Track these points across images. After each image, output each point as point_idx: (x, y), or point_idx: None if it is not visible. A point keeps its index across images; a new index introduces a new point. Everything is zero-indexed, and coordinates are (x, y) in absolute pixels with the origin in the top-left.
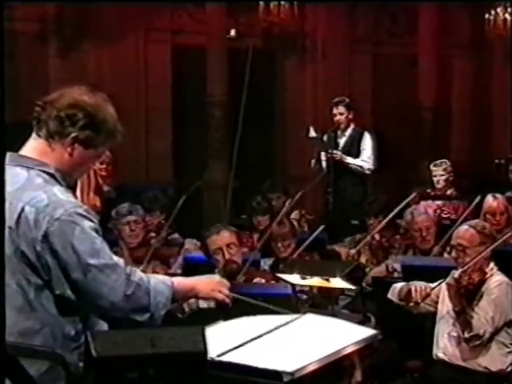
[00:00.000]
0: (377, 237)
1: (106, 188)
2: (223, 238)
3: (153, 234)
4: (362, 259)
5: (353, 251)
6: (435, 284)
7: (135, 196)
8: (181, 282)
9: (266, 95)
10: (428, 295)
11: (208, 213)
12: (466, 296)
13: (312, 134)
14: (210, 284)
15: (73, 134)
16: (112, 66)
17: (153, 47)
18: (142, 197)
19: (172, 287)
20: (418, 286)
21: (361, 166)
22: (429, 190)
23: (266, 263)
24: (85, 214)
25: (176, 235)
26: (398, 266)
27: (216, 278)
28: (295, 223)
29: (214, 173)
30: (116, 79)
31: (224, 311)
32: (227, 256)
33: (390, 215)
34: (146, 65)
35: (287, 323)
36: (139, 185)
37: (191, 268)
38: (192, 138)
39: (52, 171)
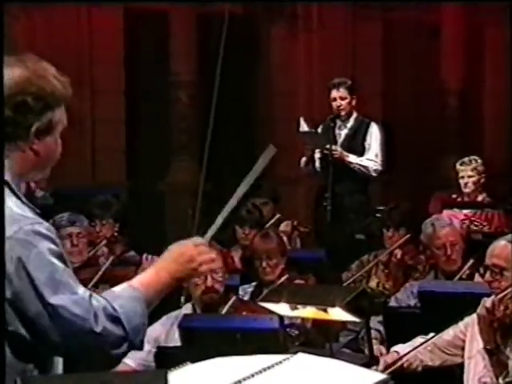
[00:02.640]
0: (398, 254)
1: (39, 193)
2: None
3: (103, 250)
4: (373, 282)
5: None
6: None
7: (78, 202)
8: (148, 279)
9: (247, 74)
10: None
11: (172, 223)
12: (501, 331)
13: (304, 127)
14: (186, 259)
15: (33, 128)
16: (46, 36)
17: (99, 12)
18: (87, 203)
19: (143, 297)
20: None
21: (365, 167)
22: (454, 196)
23: (246, 291)
24: (45, 233)
25: (132, 252)
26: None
27: (185, 244)
28: (284, 238)
29: (180, 173)
30: (51, 53)
31: (192, 351)
32: (209, 282)
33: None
34: (90, 34)
35: (273, 366)
36: (83, 188)
37: None
38: (151, 128)
39: (8, 180)
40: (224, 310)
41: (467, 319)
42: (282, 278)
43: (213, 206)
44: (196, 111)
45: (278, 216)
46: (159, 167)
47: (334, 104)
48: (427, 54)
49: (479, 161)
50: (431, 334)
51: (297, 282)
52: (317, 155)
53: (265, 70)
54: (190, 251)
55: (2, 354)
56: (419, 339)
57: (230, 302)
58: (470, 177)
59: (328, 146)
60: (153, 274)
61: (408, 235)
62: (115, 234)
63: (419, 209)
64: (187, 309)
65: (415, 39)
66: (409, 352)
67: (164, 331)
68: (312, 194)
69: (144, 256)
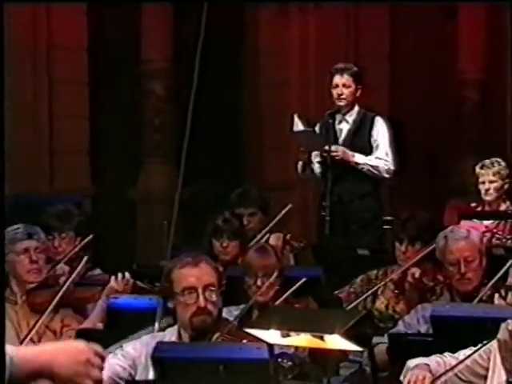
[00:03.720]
0: (416, 273)
1: None
2: (202, 274)
3: (63, 268)
4: (381, 304)
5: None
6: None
7: (33, 212)
8: (28, 353)
9: (231, 62)
10: None
11: (144, 237)
12: None
13: (298, 126)
14: (75, 360)
15: None
16: None
17: None
18: (43, 213)
19: (13, 364)
20: (414, 374)
21: (376, 167)
22: (474, 204)
23: (232, 313)
24: None
25: (97, 270)
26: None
27: (82, 347)
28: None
29: (154, 177)
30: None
31: None
32: (202, 303)
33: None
34: (48, 15)
35: None
36: (40, 195)
37: (119, 320)
38: (119, 125)
39: None
40: (214, 338)
41: (489, 345)
42: (278, 301)
43: (191, 217)
44: (172, 105)
45: (268, 227)
46: (129, 171)
47: (335, 92)
48: (442, 39)
49: (502, 163)
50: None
51: (291, 305)
52: (315, 159)
53: (251, 57)
54: (82, 359)
55: (2, 352)
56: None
57: (226, 329)
58: (491, 182)
59: (328, 148)
60: (38, 352)
61: (429, 248)
62: (77, 249)
63: (434, 219)
64: (172, 334)
65: (428, 22)
66: (445, 372)
67: (145, 353)
68: (308, 202)
69: (113, 278)
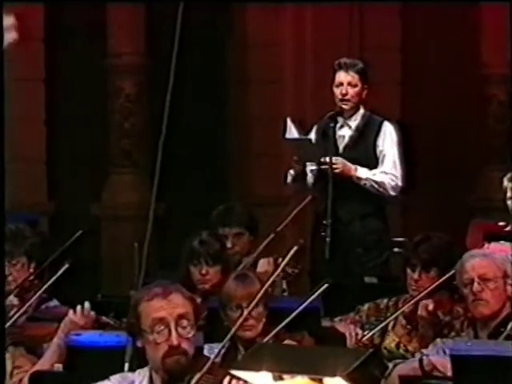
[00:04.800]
0: (429, 305)
1: None
2: (174, 306)
3: (12, 301)
4: (391, 342)
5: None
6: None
7: None
8: None
9: (214, 56)
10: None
11: (110, 261)
12: None
13: (292, 132)
14: None
15: None
16: None
17: None
18: None
19: None
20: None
21: (380, 183)
22: (501, 223)
23: (214, 351)
24: None
25: (54, 302)
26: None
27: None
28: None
29: (122, 191)
30: None
31: None
32: (175, 340)
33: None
34: None
35: None
36: None
37: (81, 360)
38: (82, 129)
39: None
40: (194, 381)
41: None
42: (266, 338)
43: (167, 237)
44: (144, 106)
45: (258, 251)
46: (93, 183)
47: (339, 91)
48: (462, 28)
49: None
50: None
51: (287, 342)
52: (310, 167)
53: (239, 50)
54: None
55: (2, 354)
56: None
57: (205, 368)
58: None
59: (327, 160)
60: None
61: (446, 276)
62: (30, 277)
63: (453, 241)
64: (143, 377)
65: (445, 9)
66: None
67: None
68: (304, 220)
69: (71, 311)
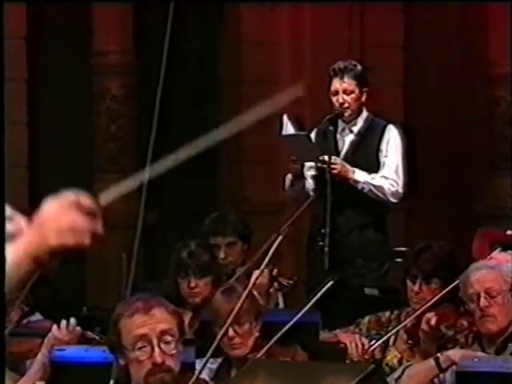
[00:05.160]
0: (432, 319)
1: None
2: (156, 321)
3: None
4: (393, 358)
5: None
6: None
7: None
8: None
9: (205, 54)
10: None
11: (96, 272)
12: None
13: (288, 129)
14: (59, 217)
15: None
16: None
17: None
18: None
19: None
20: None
21: (380, 188)
22: (510, 232)
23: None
24: None
25: (37, 316)
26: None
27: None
28: (256, 294)
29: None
30: None
31: None
32: (158, 358)
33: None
34: None
35: None
36: None
37: (66, 376)
38: (66, 133)
39: None
40: None
41: None
42: (259, 354)
43: (157, 247)
44: (131, 108)
45: (251, 262)
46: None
47: (336, 99)
48: (468, 25)
49: None
50: None
51: (280, 357)
52: (309, 172)
53: (232, 48)
54: (66, 213)
55: (2, 353)
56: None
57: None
58: None
59: (325, 158)
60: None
61: (449, 287)
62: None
63: (459, 251)
64: None
65: (450, 6)
66: None
67: None
68: (301, 228)
69: (55, 326)
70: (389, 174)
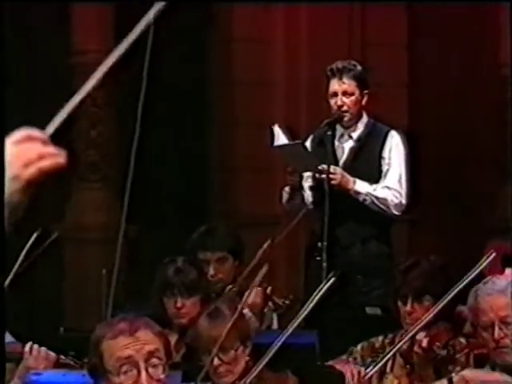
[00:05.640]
0: (423, 341)
1: None
2: (142, 344)
3: None
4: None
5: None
6: None
7: None
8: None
9: (194, 53)
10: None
11: (74, 289)
12: None
13: (281, 139)
14: (21, 152)
15: None
16: None
17: None
18: None
19: None
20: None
21: (382, 200)
22: None
23: None
24: None
25: (8, 338)
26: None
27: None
28: (250, 313)
29: (87, 210)
30: None
31: None
32: (145, 382)
33: (447, 297)
34: None
35: None
36: None
37: None
38: None
39: None
40: None
41: None
42: (247, 380)
43: (140, 262)
44: (113, 112)
45: (242, 278)
46: (54, 200)
47: (334, 102)
48: (478, 23)
49: None
50: None
51: None
52: (306, 183)
53: (222, 46)
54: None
55: (2, 353)
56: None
57: None
58: None
59: (324, 167)
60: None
61: (442, 303)
62: None
63: (466, 265)
64: None
65: (458, 2)
66: None
67: None
68: (297, 243)
69: (26, 350)
70: (392, 184)
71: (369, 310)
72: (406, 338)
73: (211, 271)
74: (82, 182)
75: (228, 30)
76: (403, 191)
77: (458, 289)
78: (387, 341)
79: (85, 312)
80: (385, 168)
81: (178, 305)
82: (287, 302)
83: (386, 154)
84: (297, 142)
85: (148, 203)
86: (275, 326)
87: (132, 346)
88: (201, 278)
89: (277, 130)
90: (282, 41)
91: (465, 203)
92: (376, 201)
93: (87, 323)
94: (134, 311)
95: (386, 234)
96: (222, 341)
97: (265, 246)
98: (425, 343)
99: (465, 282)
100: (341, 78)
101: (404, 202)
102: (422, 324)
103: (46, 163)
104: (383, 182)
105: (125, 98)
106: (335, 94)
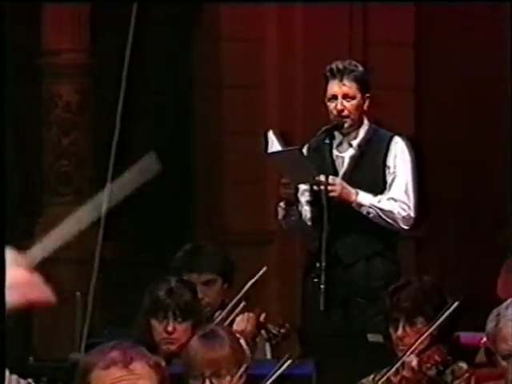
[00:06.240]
0: (412, 361)
1: None
2: (135, 376)
3: None
4: None
5: None
6: None
7: None
8: None
9: (178, 53)
10: None
11: (45, 314)
12: None
13: (275, 146)
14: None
15: None
16: None
17: None
18: None
19: None
20: None
21: (388, 213)
22: None
23: None
24: None
25: None
26: None
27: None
28: (243, 341)
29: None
30: None
31: None
32: None
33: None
34: None
35: None
36: None
37: None
38: (10, 149)
39: None
40: None
41: None
42: None
43: (117, 284)
44: (88, 118)
45: (232, 303)
46: (23, 216)
47: (333, 106)
48: (489, 20)
49: None
50: None
51: None
52: (303, 197)
53: (208, 46)
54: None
55: (3, 352)
56: None
57: None
58: None
59: (321, 179)
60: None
61: (435, 324)
62: None
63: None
64: None
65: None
66: None
67: None
68: (293, 263)
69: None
70: (398, 196)
71: (370, 337)
72: (399, 363)
73: (198, 295)
74: (53, 195)
75: (215, 29)
76: (411, 203)
77: (428, 332)
78: (378, 377)
79: (57, 339)
80: (390, 177)
81: (170, 329)
82: (282, 330)
83: (390, 162)
84: (294, 147)
85: (127, 220)
86: (268, 356)
87: (126, 379)
88: (195, 300)
89: (271, 136)
90: (274, 39)
91: (476, 218)
92: (381, 214)
93: (60, 352)
94: (111, 338)
95: (393, 250)
96: (218, 365)
97: (259, 273)
98: (415, 363)
99: (434, 326)
100: (341, 80)
101: (412, 214)
102: (414, 347)
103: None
104: (388, 193)
105: (100, 103)
106: (334, 97)
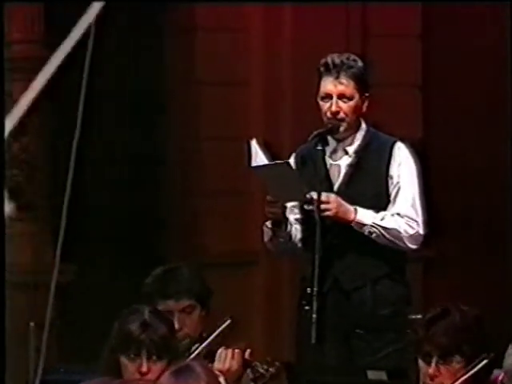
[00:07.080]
0: None
1: None
2: None
3: None
4: None
5: None
6: None
7: None
8: None
9: (148, 46)
10: None
11: None
12: None
13: (260, 157)
14: None
15: None
16: None
17: None
18: None
19: None
20: None
21: (394, 232)
22: None
23: None
24: None
25: None
26: None
27: None
28: (222, 379)
29: (16, 250)
30: None
31: None
32: None
33: None
34: None
35: None
36: None
37: None
38: None
39: None
40: None
41: None
42: None
43: (76, 313)
44: (43, 122)
45: (214, 335)
46: None
47: (327, 107)
48: (500, 19)
49: None
50: None
51: None
52: (292, 215)
53: (184, 38)
54: None
55: (3, 352)
56: None
57: None
58: None
59: (313, 195)
60: None
61: (478, 367)
62: None
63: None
64: None
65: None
66: None
67: None
68: (280, 289)
69: None
70: (404, 211)
71: (371, 374)
72: None
73: (176, 325)
74: (6, 220)
75: (189, 19)
76: (419, 218)
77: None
78: None
79: (8, 376)
80: (394, 190)
81: (144, 369)
82: (271, 369)
83: (393, 171)
84: (281, 161)
85: (88, 237)
86: None
87: None
88: (172, 335)
89: (255, 146)
90: (258, 29)
91: (491, 236)
92: (385, 233)
93: None
94: (69, 375)
95: (401, 272)
96: None
97: (223, 325)
98: None
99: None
100: (337, 77)
101: (422, 232)
102: None
103: None
104: (393, 208)
105: (57, 104)
106: (329, 97)
